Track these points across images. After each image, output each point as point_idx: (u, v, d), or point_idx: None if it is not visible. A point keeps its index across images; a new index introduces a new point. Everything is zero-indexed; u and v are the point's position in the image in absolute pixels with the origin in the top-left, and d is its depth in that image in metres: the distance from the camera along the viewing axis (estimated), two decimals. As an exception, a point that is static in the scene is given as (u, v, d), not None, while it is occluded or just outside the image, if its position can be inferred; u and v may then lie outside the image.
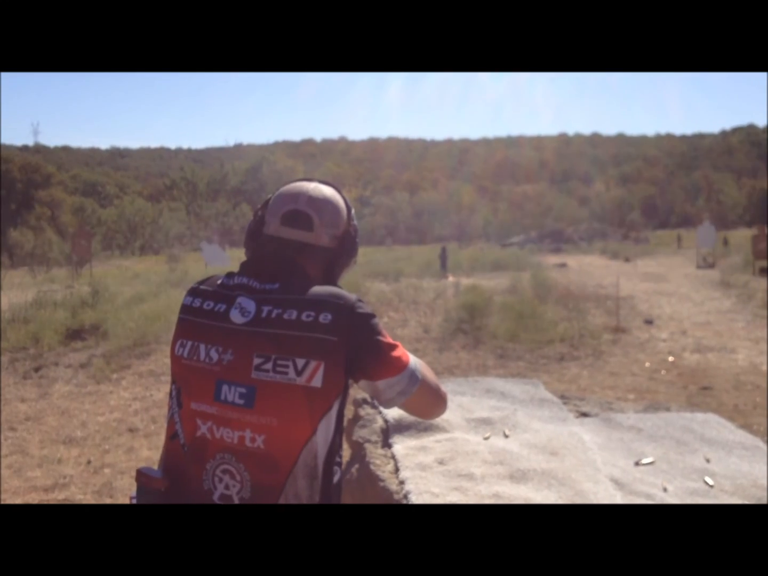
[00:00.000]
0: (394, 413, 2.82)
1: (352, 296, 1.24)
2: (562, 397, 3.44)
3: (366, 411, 3.05)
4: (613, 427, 2.95)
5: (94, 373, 7.15)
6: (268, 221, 1.33)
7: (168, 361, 1.50)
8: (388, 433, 2.78)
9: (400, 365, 1.24)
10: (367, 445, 2.71)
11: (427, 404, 1.33)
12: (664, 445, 2.75)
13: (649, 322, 9.99)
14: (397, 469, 2.44)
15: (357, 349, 1.19)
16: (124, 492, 4.09)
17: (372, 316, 1.24)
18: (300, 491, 1.18)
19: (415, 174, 73.32)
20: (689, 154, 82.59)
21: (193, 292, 1.30)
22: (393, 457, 2.55)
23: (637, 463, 2.56)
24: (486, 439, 2.71)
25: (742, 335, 9.02)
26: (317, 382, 1.16)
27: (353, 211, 1.40)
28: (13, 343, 8.13)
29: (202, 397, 1.21)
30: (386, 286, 13.20)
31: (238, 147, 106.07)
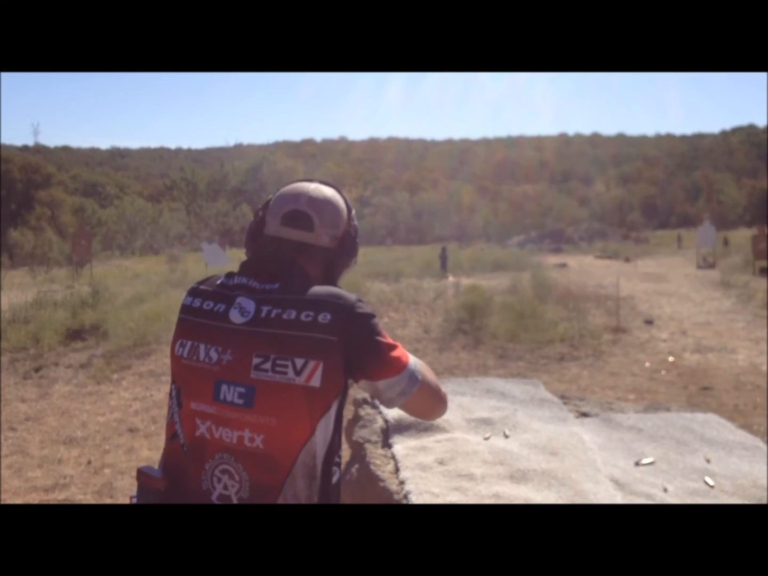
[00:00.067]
0: (394, 413, 2.82)
1: (352, 296, 1.24)
2: (562, 397, 3.44)
3: (366, 411, 3.05)
4: (613, 428, 2.95)
5: (95, 373, 7.15)
6: (268, 221, 1.33)
7: (168, 361, 1.50)
8: (388, 433, 2.78)
9: (400, 365, 1.24)
10: (367, 445, 2.71)
11: (427, 405, 1.33)
12: (664, 446, 2.75)
13: (649, 322, 9.99)
14: (397, 469, 2.44)
15: (356, 349, 1.19)
16: (124, 492, 4.09)
17: (371, 316, 1.24)
18: (299, 491, 1.18)
19: (415, 174, 73.34)
20: (689, 154, 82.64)
21: (193, 292, 1.30)
22: (393, 457, 2.55)
23: (637, 464, 2.56)
24: (486, 439, 2.71)
25: (743, 335, 9.02)
26: (316, 381, 1.16)
27: (353, 211, 1.40)
28: (13, 343, 8.14)
29: (202, 397, 1.21)
30: (386, 286, 13.20)
31: (238, 147, 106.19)
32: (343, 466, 2.07)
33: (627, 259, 24.06)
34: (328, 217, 1.32)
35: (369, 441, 2.74)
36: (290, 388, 1.16)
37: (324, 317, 1.18)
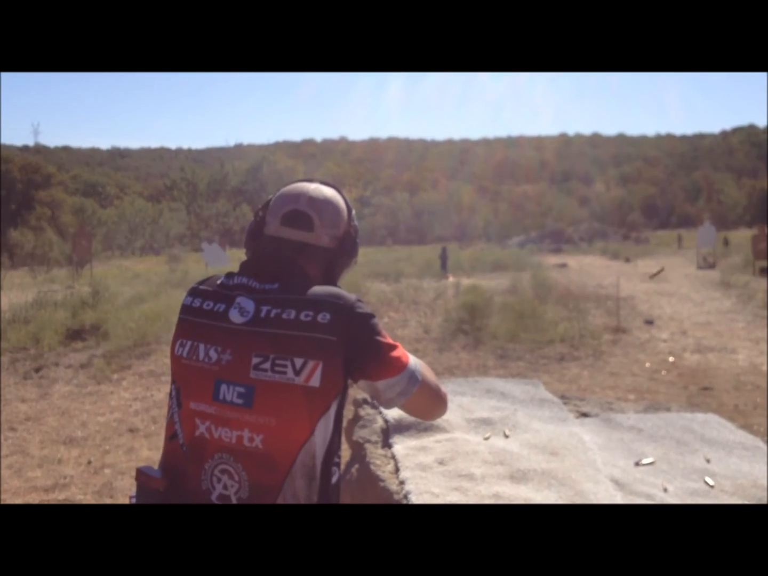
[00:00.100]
0: (394, 413, 2.82)
1: (352, 296, 1.24)
2: (562, 397, 3.44)
3: (366, 411, 3.05)
4: (613, 428, 2.95)
5: (95, 373, 7.15)
6: (268, 221, 1.33)
7: (168, 361, 1.50)
8: (388, 433, 2.78)
9: (400, 366, 1.24)
10: (367, 445, 2.71)
11: (427, 405, 1.33)
12: (664, 446, 2.75)
13: (649, 322, 9.99)
14: (397, 470, 2.44)
15: (356, 349, 1.19)
16: (124, 492, 4.09)
17: (371, 316, 1.24)
18: (298, 491, 1.18)
19: (416, 174, 73.35)
20: (689, 154, 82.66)
21: (193, 292, 1.30)
22: (393, 457, 2.55)
23: (637, 464, 2.56)
24: (486, 439, 2.71)
25: (743, 335, 9.02)
26: (315, 381, 1.16)
27: (353, 211, 1.40)
28: (13, 343, 8.14)
29: (201, 397, 1.21)
30: (386, 286, 13.21)
31: (239, 147, 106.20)
32: (343, 466, 2.07)
33: (627, 260, 24.06)
34: (329, 218, 1.32)
35: (369, 441, 2.74)
36: (290, 388, 1.16)
37: (323, 317, 1.18)
